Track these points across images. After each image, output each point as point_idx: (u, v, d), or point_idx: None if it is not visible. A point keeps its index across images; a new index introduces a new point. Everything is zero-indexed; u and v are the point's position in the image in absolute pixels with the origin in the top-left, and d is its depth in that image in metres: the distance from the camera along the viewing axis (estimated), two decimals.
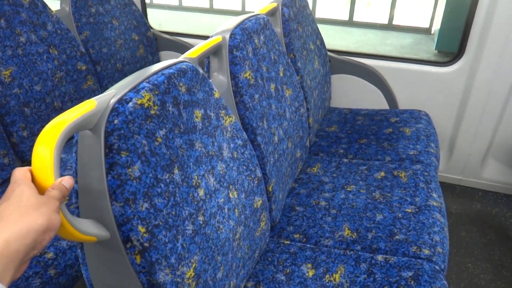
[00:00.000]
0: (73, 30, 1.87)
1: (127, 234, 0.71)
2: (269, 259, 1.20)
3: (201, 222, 0.86)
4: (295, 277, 1.13)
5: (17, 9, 1.58)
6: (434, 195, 1.42)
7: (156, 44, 2.42)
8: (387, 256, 1.18)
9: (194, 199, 0.85)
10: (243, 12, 7.43)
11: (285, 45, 1.65)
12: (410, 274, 1.11)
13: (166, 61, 0.91)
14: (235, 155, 1.04)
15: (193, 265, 0.82)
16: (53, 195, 0.59)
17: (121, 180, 0.69)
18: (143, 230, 0.72)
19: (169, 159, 0.80)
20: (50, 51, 1.68)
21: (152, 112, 0.78)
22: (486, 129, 2.06)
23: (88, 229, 0.68)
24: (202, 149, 0.91)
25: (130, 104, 0.73)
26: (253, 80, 1.24)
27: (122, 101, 0.73)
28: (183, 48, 2.42)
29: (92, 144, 0.70)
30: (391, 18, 6.65)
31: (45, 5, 1.70)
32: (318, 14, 7.11)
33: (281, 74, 1.45)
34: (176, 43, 2.43)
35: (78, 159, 0.72)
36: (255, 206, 1.10)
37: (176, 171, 0.81)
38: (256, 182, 1.12)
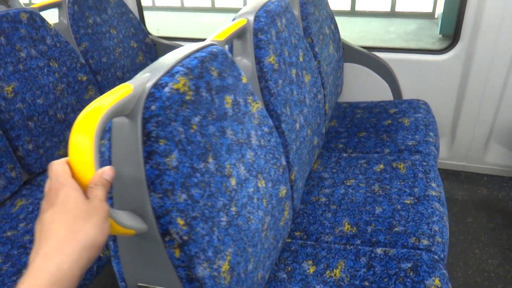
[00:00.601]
0: (72, 42, 1.90)
1: (166, 227, 0.68)
2: None
3: (233, 213, 0.83)
4: (297, 275, 1.15)
5: (16, 26, 1.62)
6: (433, 184, 1.42)
7: (155, 50, 2.45)
8: (387, 249, 1.20)
9: (227, 189, 0.82)
10: None
11: (302, 29, 1.60)
12: (409, 265, 1.12)
13: (196, 44, 0.88)
14: (262, 143, 1.01)
15: (228, 257, 0.80)
16: (99, 196, 0.53)
17: (159, 170, 0.66)
18: (182, 222, 0.69)
19: (204, 147, 0.77)
20: (51, 64, 1.72)
21: (187, 97, 0.75)
22: (486, 114, 2.06)
23: (126, 221, 0.65)
24: (233, 136, 0.88)
25: (167, 89, 0.70)
26: (277, 65, 1.20)
27: (158, 86, 0.70)
28: None
29: (129, 131, 0.67)
30: (393, 5, 6.59)
31: (43, 20, 1.74)
32: None
33: (301, 59, 1.41)
34: (174, 48, 2.44)
35: (112, 147, 0.68)
36: (280, 195, 1.07)
37: (210, 160, 0.78)
38: (281, 170, 1.09)
